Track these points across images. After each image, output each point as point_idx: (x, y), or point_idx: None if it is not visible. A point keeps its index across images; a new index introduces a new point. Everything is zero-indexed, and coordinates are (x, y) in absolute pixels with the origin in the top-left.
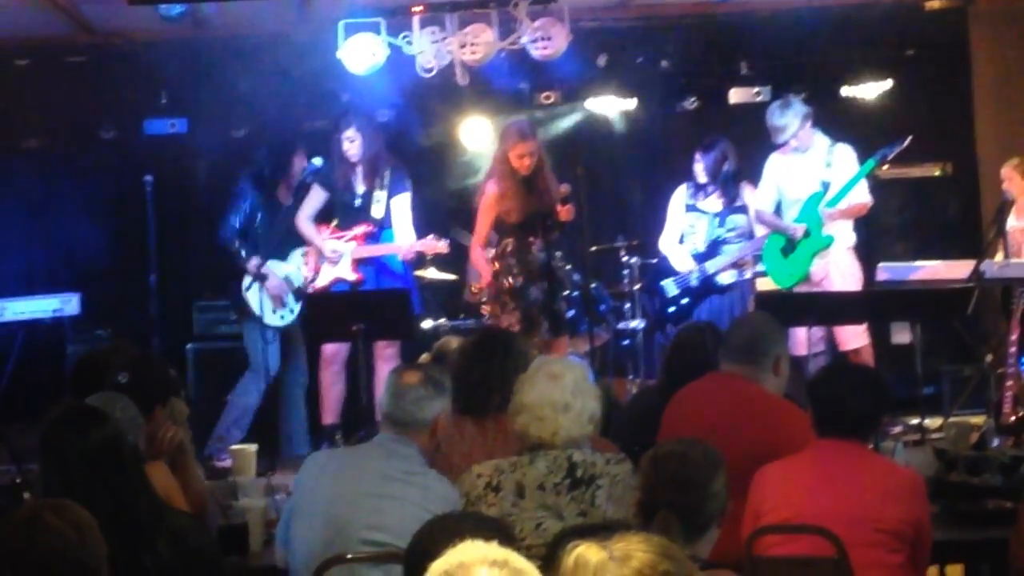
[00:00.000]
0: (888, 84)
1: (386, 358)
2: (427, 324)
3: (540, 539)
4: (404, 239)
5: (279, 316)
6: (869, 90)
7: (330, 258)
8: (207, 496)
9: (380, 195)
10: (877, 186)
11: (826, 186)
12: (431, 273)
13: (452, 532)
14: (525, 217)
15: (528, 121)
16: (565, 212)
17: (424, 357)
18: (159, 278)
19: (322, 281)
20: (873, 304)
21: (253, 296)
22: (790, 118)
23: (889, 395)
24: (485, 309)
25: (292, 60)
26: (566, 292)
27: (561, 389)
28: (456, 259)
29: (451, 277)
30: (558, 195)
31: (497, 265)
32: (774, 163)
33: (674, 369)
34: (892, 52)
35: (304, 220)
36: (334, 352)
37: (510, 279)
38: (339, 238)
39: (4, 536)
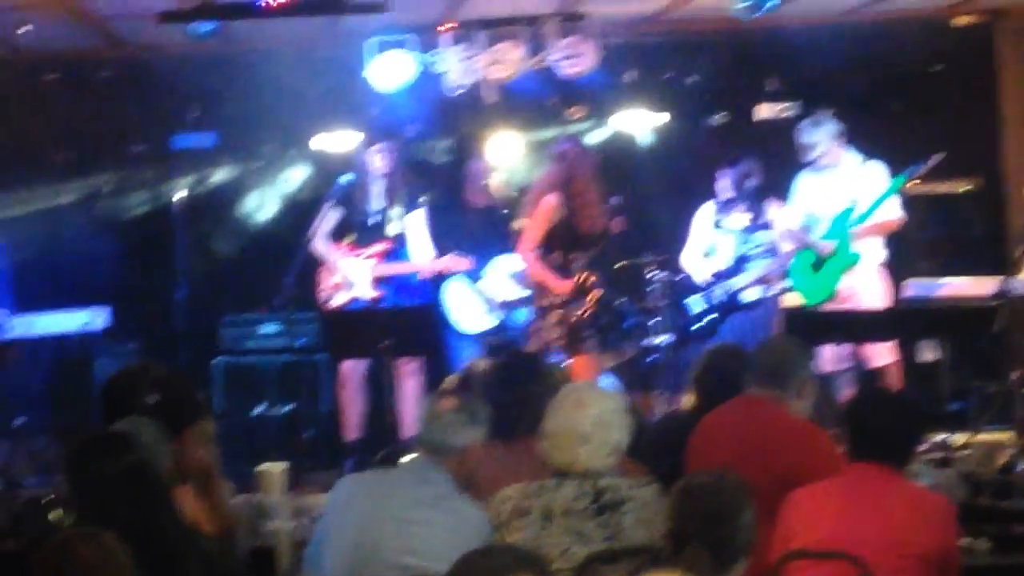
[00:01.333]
0: (915, 100)
1: (408, 373)
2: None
3: (567, 564)
4: (423, 256)
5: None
6: (896, 105)
7: (347, 278)
8: (235, 518)
9: (396, 212)
10: (904, 202)
11: (856, 203)
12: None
13: (489, 568)
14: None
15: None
16: (617, 224)
17: (450, 379)
18: (187, 292)
19: (339, 300)
20: (900, 322)
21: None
22: (821, 136)
23: (924, 421)
24: (559, 315)
25: (321, 76)
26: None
27: (583, 419)
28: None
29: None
30: (605, 209)
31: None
32: (804, 180)
33: (701, 391)
34: (919, 68)
35: (320, 240)
36: (351, 369)
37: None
38: (356, 256)
39: (37, 565)
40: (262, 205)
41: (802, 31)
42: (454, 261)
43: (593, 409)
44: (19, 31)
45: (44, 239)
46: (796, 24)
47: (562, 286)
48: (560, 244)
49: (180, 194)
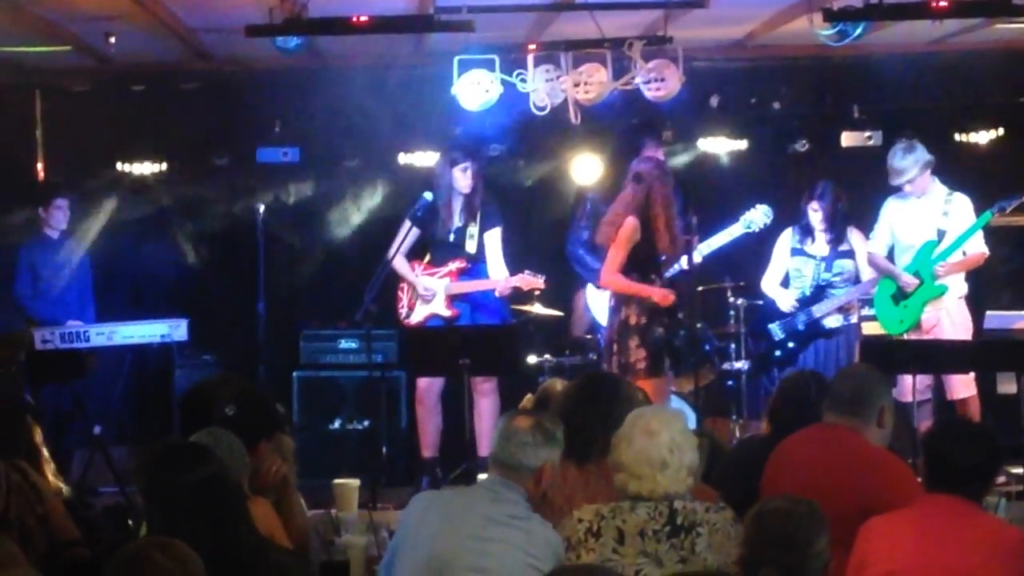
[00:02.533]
0: (1000, 131)
1: (484, 392)
2: (531, 360)
3: None
4: (497, 274)
5: None
6: (980, 137)
7: (423, 296)
8: (310, 532)
9: (473, 230)
10: (986, 234)
11: (941, 234)
12: (536, 308)
13: None
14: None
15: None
16: (694, 245)
17: (527, 399)
18: (267, 305)
19: (417, 317)
20: (979, 353)
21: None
22: (911, 162)
23: (1002, 453)
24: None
25: (406, 93)
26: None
27: (658, 447)
28: (563, 295)
29: (556, 313)
30: (682, 230)
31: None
32: (891, 207)
33: (778, 418)
34: (1004, 99)
35: (399, 257)
36: (427, 386)
37: (634, 316)
38: (432, 274)
39: (110, 573)
40: (344, 220)
41: (889, 60)
42: (528, 280)
43: (665, 435)
44: (109, 41)
45: (126, 250)
46: (883, 53)
47: (660, 295)
48: (639, 266)
49: (263, 207)
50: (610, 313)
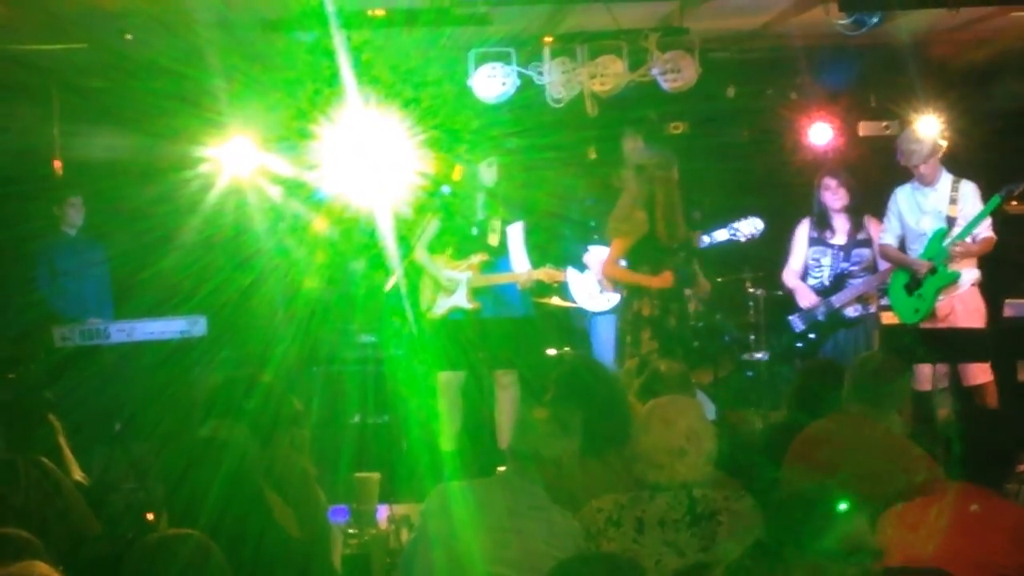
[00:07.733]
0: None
1: (504, 385)
2: (552, 352)
3: (661, 575)
4: (520, 267)
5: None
6: (999, 124)
7: (446, 287)
8: (329, 525)
9: (495, 223)
10: (1004, 222)
11: (951, 222)
12: (558, 301)
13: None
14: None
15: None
16: (695, 237)
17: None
18: (285, 300)
19: (438, 310)
20: (999, 341)
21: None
22: (920, 145)
23: (1022, 440)
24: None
25: (423, 87)
26: (692, 322)
27: (676, 434)
28: None
29: (576, 305)
30: (684, 220)
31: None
32: (899, 197)
33: (797, 407)
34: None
35: (420, 249)
36: (448, 379)
37: (647, 307)
38: (455, 267)
39: (132, 565)
40: (363, 214)
41: (907, 47)
42: (550, 273)
43: (682, 423)
44: (125, 37)
45: (145, 246)
46: (901, 41)
47: (659, 280)
48: (646, 258)
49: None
50: (622, 305)
